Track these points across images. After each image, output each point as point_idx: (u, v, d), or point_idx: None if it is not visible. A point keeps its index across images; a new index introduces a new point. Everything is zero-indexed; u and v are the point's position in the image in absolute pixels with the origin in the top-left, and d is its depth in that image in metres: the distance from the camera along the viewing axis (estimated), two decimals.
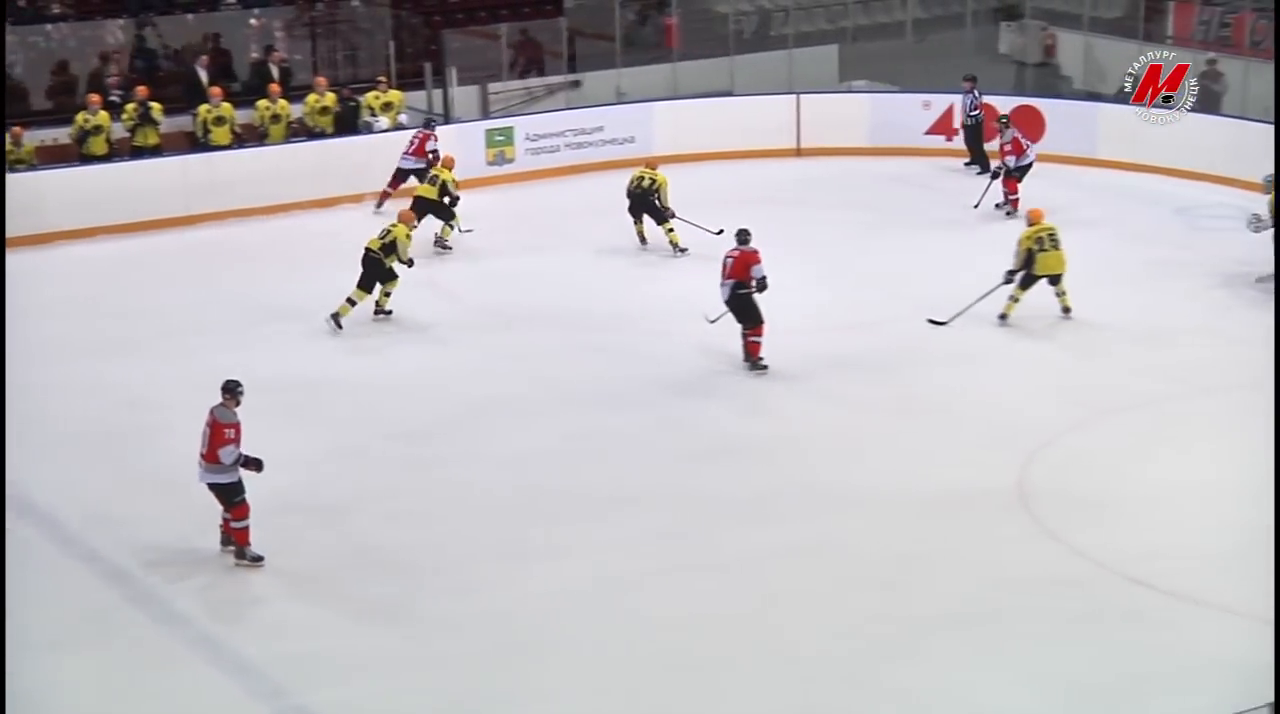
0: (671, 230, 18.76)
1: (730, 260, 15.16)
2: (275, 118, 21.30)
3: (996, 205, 19.94)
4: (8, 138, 19.37)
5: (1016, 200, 19.81)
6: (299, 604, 11.49)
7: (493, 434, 14.13)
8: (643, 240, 19.05)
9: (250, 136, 21.28)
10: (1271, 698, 7.97)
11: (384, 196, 20.57)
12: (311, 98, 21.52)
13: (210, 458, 11.68)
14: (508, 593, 11.51)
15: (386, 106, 21.78)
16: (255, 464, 11.72)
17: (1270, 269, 17.27)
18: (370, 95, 21.82)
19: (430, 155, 20.18)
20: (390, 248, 16.73)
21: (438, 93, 22.48)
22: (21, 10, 22.23)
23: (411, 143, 20.48)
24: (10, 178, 18.23)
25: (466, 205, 19.34)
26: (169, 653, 10.86)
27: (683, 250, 18.69)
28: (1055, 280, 16.19)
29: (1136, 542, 12.01)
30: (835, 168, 22.06)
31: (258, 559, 11.80)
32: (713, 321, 15.49)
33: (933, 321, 16.04)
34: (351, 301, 16.64)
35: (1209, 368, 15.29)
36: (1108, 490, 12.87)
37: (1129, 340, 16.01)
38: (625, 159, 21.97)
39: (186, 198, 20.18)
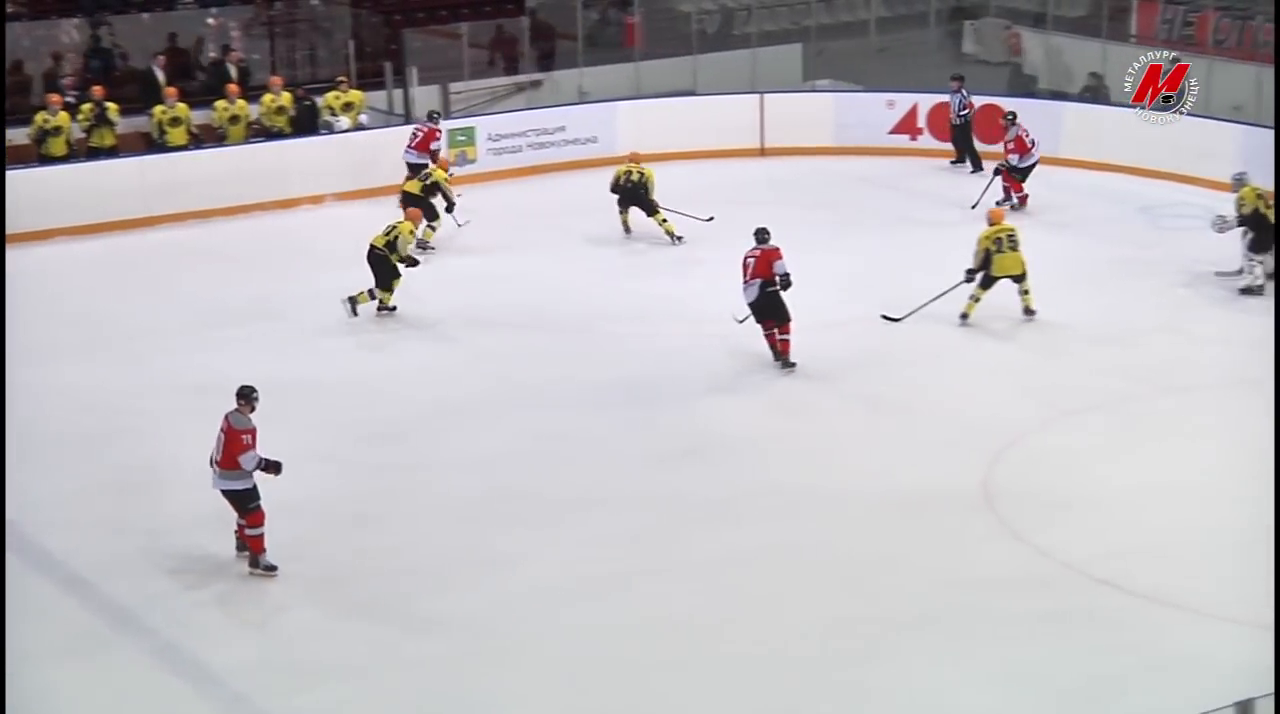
0: (665, 221, 19.04)
1: (752, 260, 15.13)
2: (234, 119, 21.14)
3: (998, 203, 19.86)
4: None
5: (1026, 197, 19.84)
6: (267, 609, 11.39)
7: (460, 436, 14.05)
8: (627, 229, 19.30)
9: (209, 137, 21.11)
10: (1237, 698, 7.89)
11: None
12: (267, 98, 21.36)
13: (226, 464, 11.52)
14: (475, 596, 11.44)
15: (347, 106, 21.66)
16: (275, 466, 11.59)
17: (1234, 266, 17.28)
18: (331, 95, 21.70)
19: (431, 153, 20.18)
20: (394, 245, 16.67)
21: (398, 93, 22.35)
22: None
23: (415, 136, 20.42)
24: None
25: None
26: (138, 660, 10.74)
27: (679, 238, 18.97)
28: (1019, 280, 16.12)
29: (1101, 541, 12.00)
30: (800, 167, 22.03)
31: (271, 568, 11.64)
32: (741, 321, 15.45)
33: (886, 317, 15.99)
34: (372, 294, 16.76)
35: (1173, 367, 15.29)
36: (1072, 490, 12.85)
37: (1093, 340, 15.99)
38: (588, 159, 22.01)
39: (145, 199, 20.01)
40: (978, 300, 16.13)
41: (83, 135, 20.32)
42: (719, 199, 20.51)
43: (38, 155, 20.04)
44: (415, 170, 19.59)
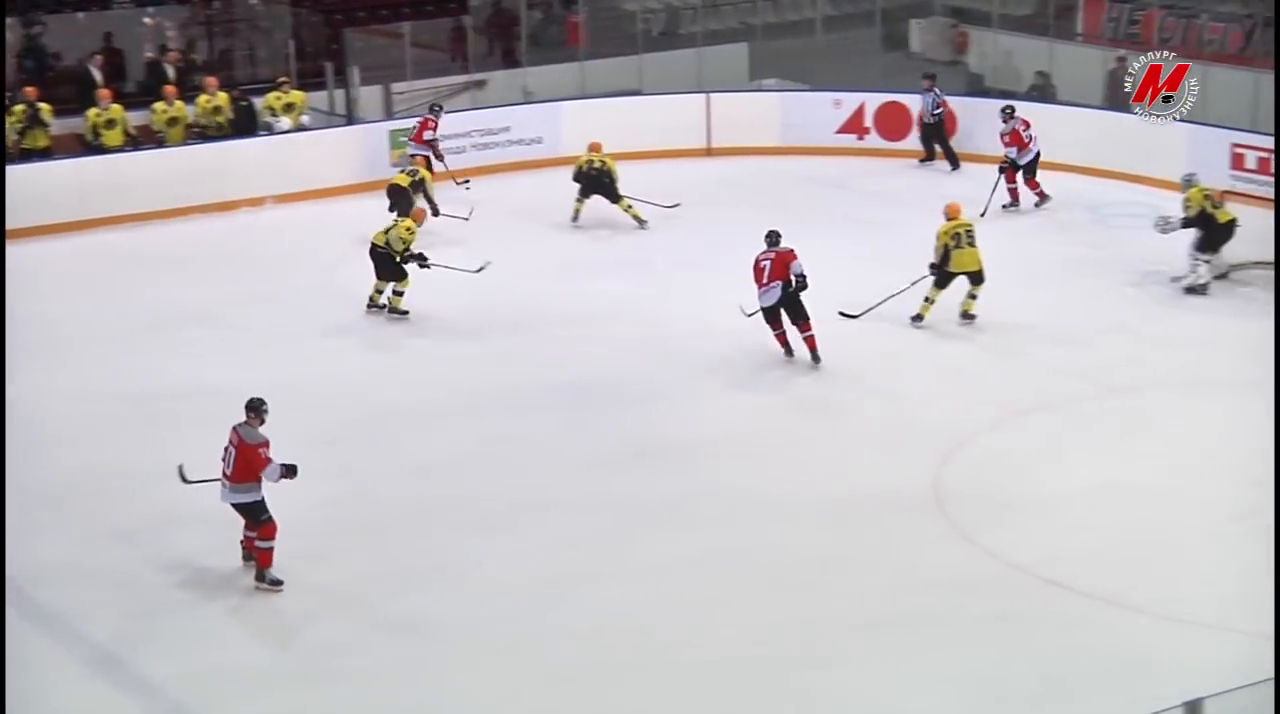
0: (630, 207, 19.27)
1: (767, 263, 15.05)
2: (173, 121, 20.86)
3: (1004, 206, 19.76)
4: None
5: (1041, 193, 19.76)
6: (206, 617, 11.22)
7: (403, 441, 13.91)
8: (575, 217, 19.54)
9: (147, 139, 20.80)
10: (1186, 698, 7.87)
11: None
12: (202, 98, 21.07)
13: (239, 477, 11.31)
14: (417, 603, 11.31)
15: (289, 107, 21.45)
16: (292, 470, 11.40)
17: (1183, 270, 17.25)
18: (272, 96, 21.48)
19: (428, 143, 20.33)
20: (390, 242, 16.62)
21: (340, 93, 22.16)
22: None
23: (414, 129, 20.47)
24: None
25: (373, 208, 19.03)
26: (61, 668, 10.56)
27: (643, 222, 19.31)
28: (976, 281, 16.01)
29: (1050, 542, 11.97)
30: (746, 167, 21.93)
31: (277, 582, 11.42)
32: (750, 315, 15.39)
33: (843, 314, 15.89)
34: (379, 290, 16.72)
35: (1122, 367, 15.25)
36: (1022, 491, 12.81)
37: (1042, 340, 15.95)
38: (533, 160, 21.92)
39: (81, 201, 19.71)
40: (932, 301, 16.03)
41: (16, 137, 19.95)
42: (666, 199, 20.41)
43: None
44: (432, 159, 19.98)
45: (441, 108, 21.07)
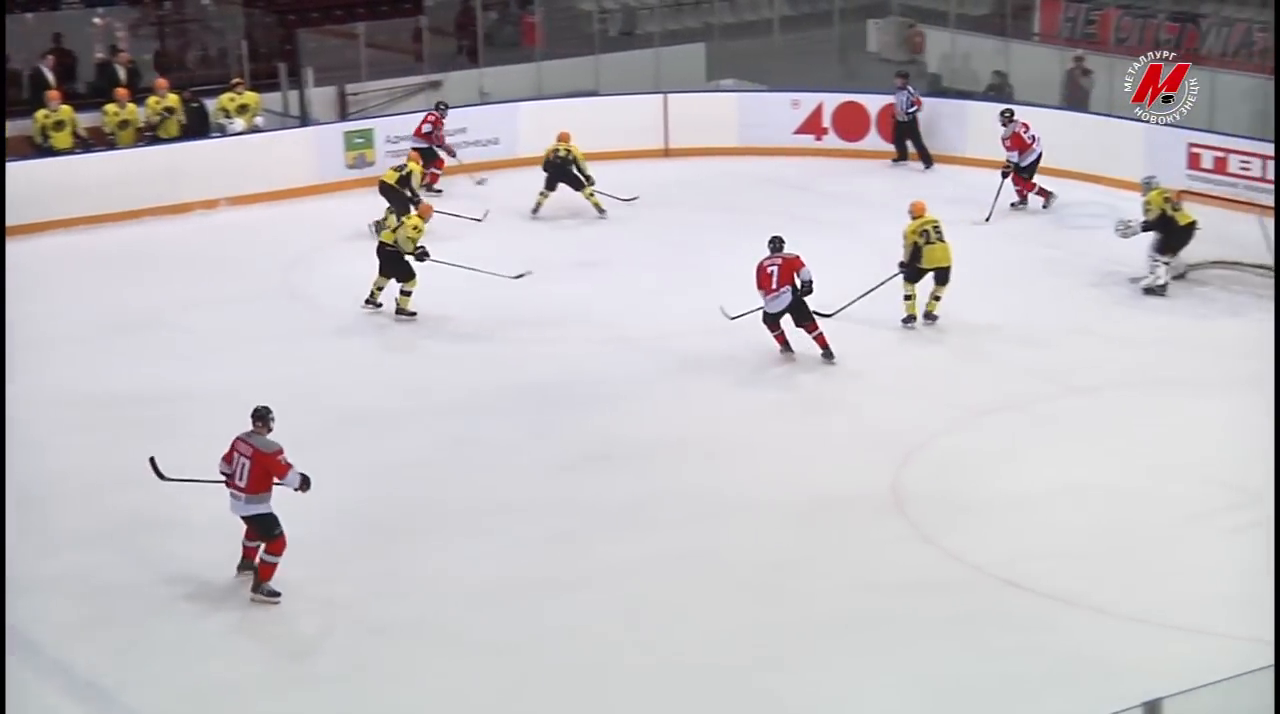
0: (593, 194, 19.61)
1: (775, 268, 15.03)
2: (124, 123, 20.64)
3: (1012, 205, 19.71)
4: None
5: (1047, 192, 19.67)
6: (157, 625, 11.09)
7: (361, 445, 13.80)
8: (536, 208, 19.73)
9: (98, 141, 20.59)
10: (1145, 698, 7.82)
11: (433, 178, 20.62)
12: (152, 100, 20.86)
13: (255, 488, 11.12)
14: (376, 608, 11.22)
15: (242, 108, 21.28)
16: (308, 482, 11.32)
17: (1143, 272, 17.26)
18: (225, 97, 21.31)
19: (425, 136, 20.47)
20: (399, 240, 16.50)
21: (294, 94, 22.00)
22: None
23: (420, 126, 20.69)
24: None
25: (323, 209, 18.92)
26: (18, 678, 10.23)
27: (602, 211, 19.69)
28: (942, 279, 15.96)
29: (1010, 543, 11.95)
30: (705, 168, 21.86)
31: (274, 594, 11.26)
32: (734, 318, 15.42)
33: (819, 314, 15.76)
34: (379, 287, 16.66)
35: (1082, 368, 15.25)
36: (981, 492, 12.80)
37: (1001, 340, 15.94)
38: (490, 161, 21.76)
39: (31, 204, 19.39)
40: (912, 298, 15.98)
41: None
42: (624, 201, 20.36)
43: None
44: (423, 155, 19.95)
45: (447, 105, 21.14)
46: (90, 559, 11.89)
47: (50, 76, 21.04)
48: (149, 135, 20.81)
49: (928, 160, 21.74)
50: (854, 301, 15.88)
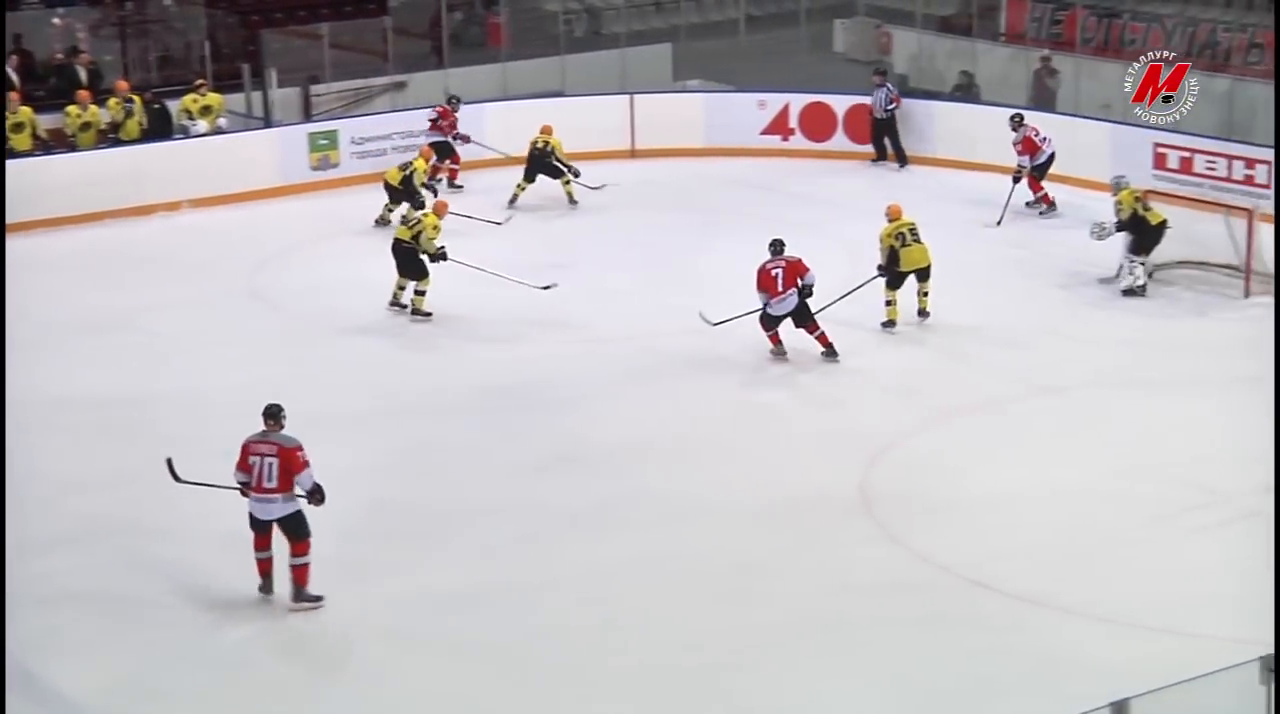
0: (569, 183, 20.05)
1: (779, 271, 15.00)
2: (86, 125, 20.47)
3: (1027, 204, 19.61)
4: None
5: (1046, 197, 19.54)
6: (118, 630, 11.00)
7: (324, 449, 13.32)
8: (512, 200, 20.01)
9: (58, 143, 20.43)
10: (1113, 698, 7.85)
11: (452, 174, 20.87)
12: (113, 102, 20.69)
13: (285, 487, 10.92)
14: (342, 613, 11.12)
15: (205, 110, 21.18)
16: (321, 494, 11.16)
17: (1112, 270, 17.26)
18: (189, 98, 21.19)
19: (434, 124, 20.83)
20: (419, 238, 16.40)
21: (258, 95, 21.86)
22: None
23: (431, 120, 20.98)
24: None
25: (287, 211, 18.82)
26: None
27: (574, 202, 20.08)
28: (923, 277, 15.95)
29: (978, 544, 11.93)
30: (671, 169, 21.81)
31: (316, 599, 11.09)
32: (715, 325, 15.40)
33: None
34: (401, 287, 16.63)
35: (1050, 368, 15.24)
36: (949, 493, 12.77)
37: (969, 341, 15.93)
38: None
39: None
40: (893, 303, 15.93)
41: None
42: (591, 202, 20.37)
43: None
44: (438, 149, 20.34)
45: (459, 99, 21.28)
46: (55, 564, 11.76)
47: (15, 78, 20.86)
48: (111, 137, 20.65)
49: (903, 159, 21.73)
50: (832, 303, 15.80)
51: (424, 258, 16.48)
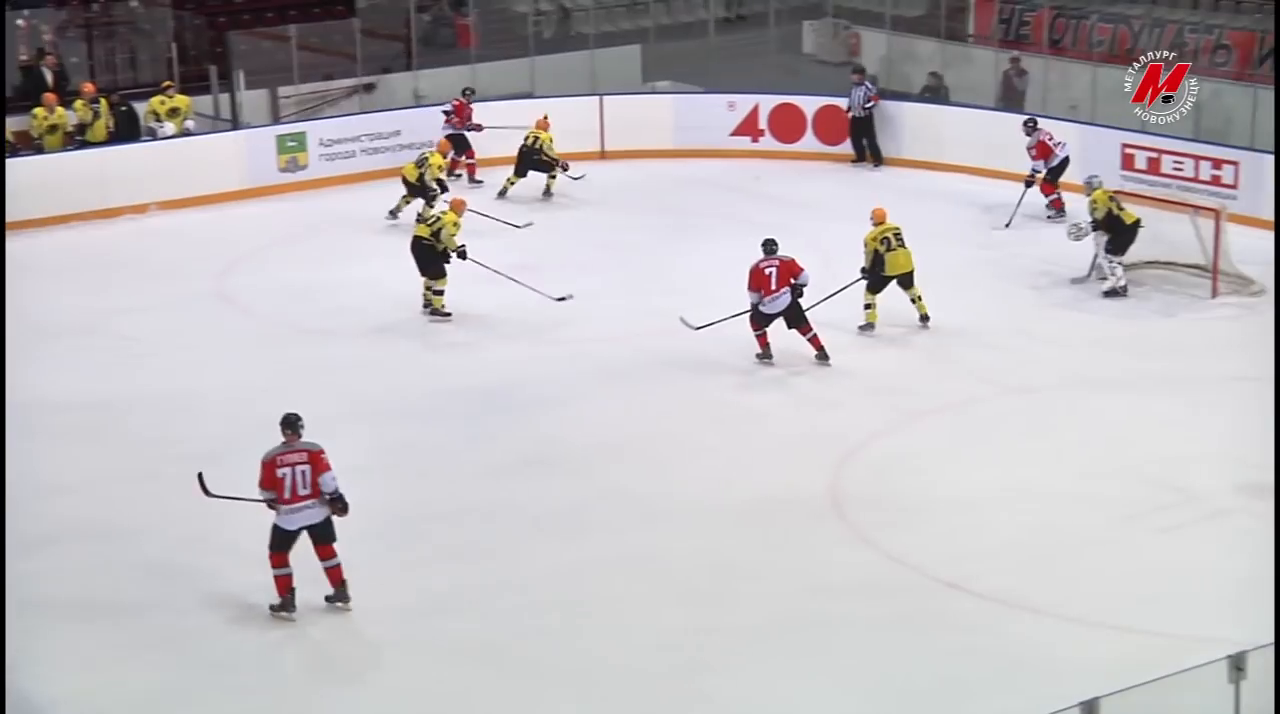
0: (554, 177, 20.46)
1: (773, 271, 14.97)
2: (52, 128, 20.34)
3: (1046, 203, 19.56)
4: None
5: (1058, 200, 19.42)
6: (88, 634, 10.93)
7: None
8: (502, 192, 20.40)
9: (24, 145, 20.29)
10: (1082, 698, 7.88)
11: (470, 169, 21.06)
12: (79, 104, 20.56)
13: (318, 492, 10.85)
14: (309, 618, 11.06)
15: (173, 112, 21.06)
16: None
17: (1083, 271, 17.31)
18: (156, 100, 21.08)
19: (448, 116, 21.09)
20: (439, 235, 16.32)
21: (225, 97, 21.78)
22: None
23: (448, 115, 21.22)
24: None
25: (255, 213, 18.74)
26: None
27: (550, 194, 20.51)
28: (907, 283, 15.95)
29: (949, 545, 11.95)
30: (641, 170, 21.79)
31: (349, 598, 11.11)
32: (697, 328, 15.39)
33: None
34: (436, 292, 16.54)
35: (1019, 368, 15.27)
36: (919, 494, 12.79)
37: (940, 341, 15.93)
38: None
39: None
40: (872, 307, 15.93)
41: None
42: (561, 203, 20.39)
43: None
44: (454, 142, 20.56)
45: (473, 90, 21.44)
46: (32, 568, 11.65)
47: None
48: (78, 140, 20.53)
49: (878, 159, 21.77)
50: (816, 304, 15.78)
51: (443, 256, 16.39)
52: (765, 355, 15.22)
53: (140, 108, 21.01)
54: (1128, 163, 19.68)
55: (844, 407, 14.46)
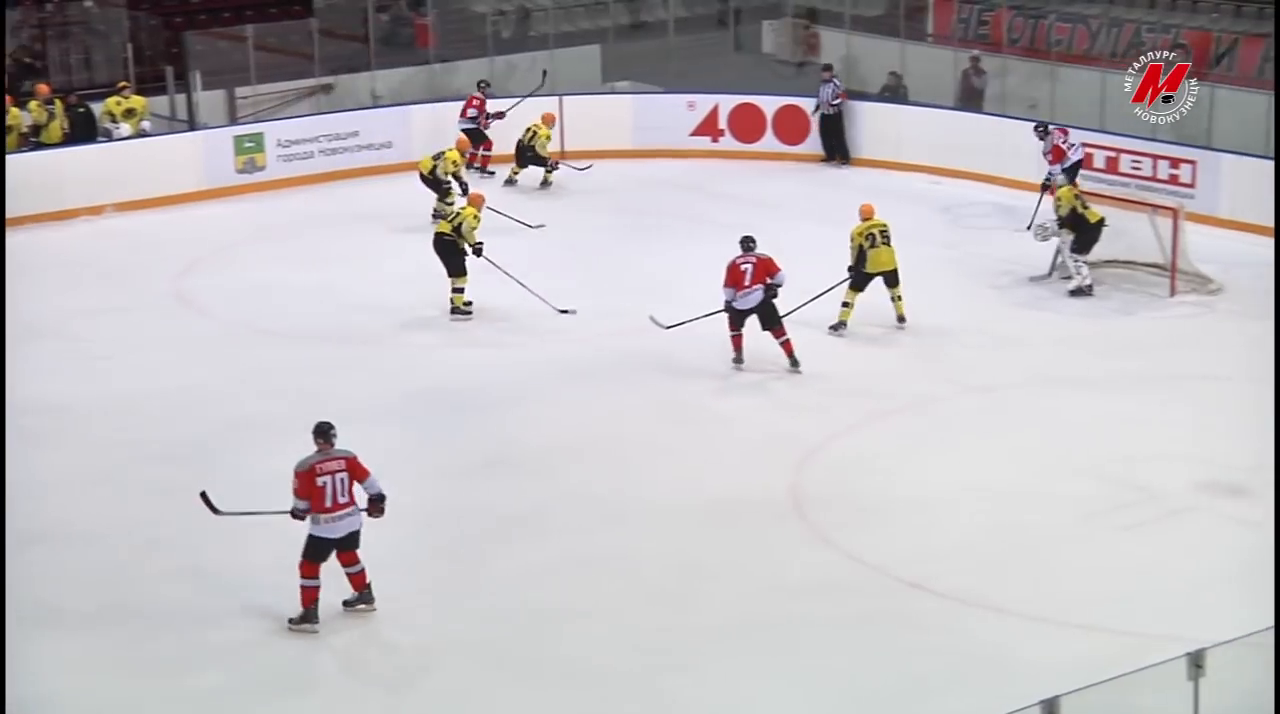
0: (551, 172, 21.06)
1: (749, 267, 14.88)
2: (7, 129, 20.16)
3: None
4: None
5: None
6: (47, 641, 10.81)
7: (251, 455, 13.52)
8: (508, 181, 21.03)
9: None
10: (1043, 696, 7.85)
11: (484, 162, 21.36)
12: (34, 105, 20.42)
13: (353, 500, 10.74)
14: (269, 623, 10.99)
15: (129, 113, 20.94)
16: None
17: (1043, 269, 17.36)
18: (111, 101, 20.96)
19: (469, 117, 21.34)
20: (460, 230, 16.28)
21: (181, 98, 21.66)
22: None
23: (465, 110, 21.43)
24: None
25: (212, 215, 18.62)
26: None
27: (546, 186, 21.09)
28: (891, 281, 15.94)
29: (910, 544, 11.96)
30: (600, 170, 21.69)
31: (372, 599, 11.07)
32: (668, 328, 15.34)
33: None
34: (456, 289, 16.43)
35: (979, 368, 15.29)
36: (880, 493, 12.79)
37: (901, 340, 15.96)
38: (383, 165, 21.61)
39: None
40: (850, 306, 15.91)
41: None
42: (519, 203, 20.18)
43: None
44: (471, 136, 20.70)
45: (488, 84, 21.58)
46: None
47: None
48: (33, 141, 20.37)
49: (845, 156, 21.78)
50: (803, 306, 15.72)
51: (464, 253, 16.35)
52: (738, 359, 15.16)
53: (96, 108, 20.88)
54: (1086, 162, 19.69)
55: (807, 407, 14.44)
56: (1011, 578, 11.40)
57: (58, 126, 20.48)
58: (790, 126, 22.23)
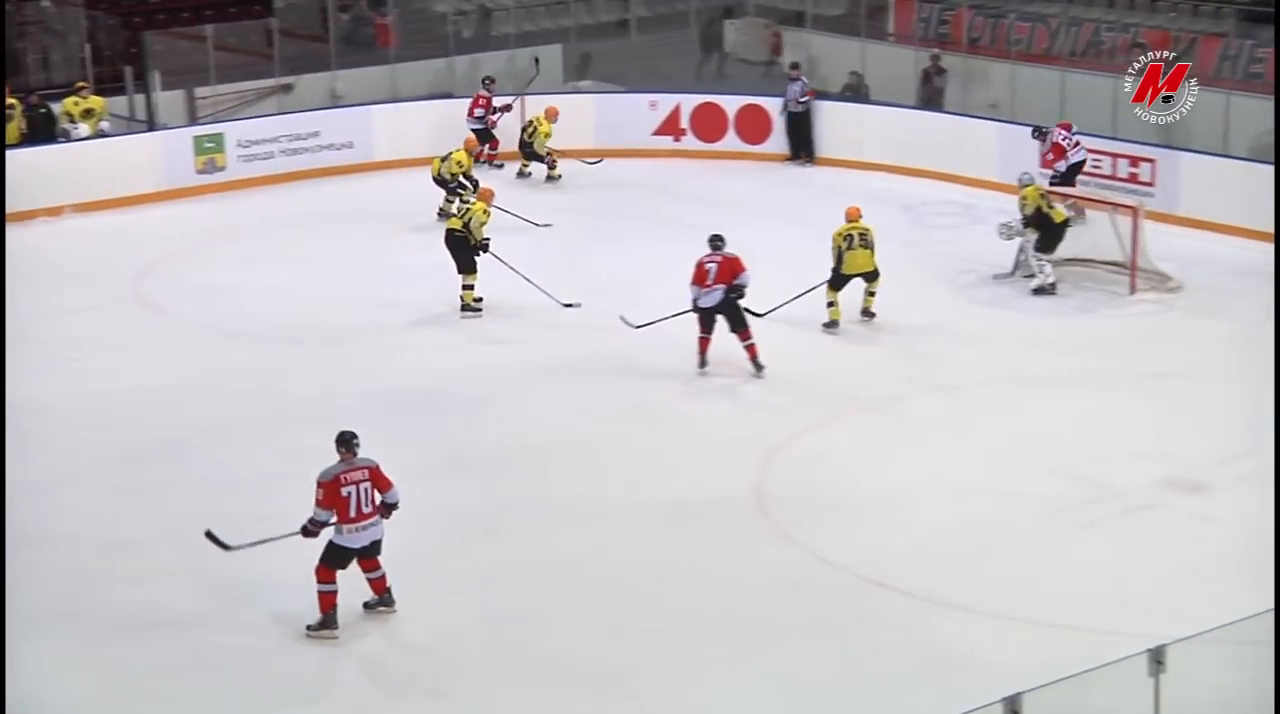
0: (551, 167, 21.27)
1: (713, 266, 14.79)
2: None
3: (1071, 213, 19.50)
4: None
5: (1076, 202, 19.22)
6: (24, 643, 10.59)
7: (214, 457, 13.52)
8: (519, 173, 21.50)
9: None
10: (1005, 693, 7.83)
11: (490, 159, 21.46)
12: None
13: (376, 509, 10.72)
14: (230, 628, 10.96)
15: (87, 113, 20.83)
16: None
17: (1006, 267, 17.42)
18: (70, 101, 20.83)
19: (477, 117, 21.47)
20: (469, 225, 16.25)
21: (140, 98, 21.54)
22: None
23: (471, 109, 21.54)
24: None
25: (172, 215, 18.51)
26: None
27: (551, 180, 21.41)
28: (870, 278, 15.98)
29: (874, 543, 11.97)
30: (562, 170, 21.68)
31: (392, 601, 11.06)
32: (637, 327, 15.33)
33: (749, 312, 15.44)
34: (466, 286, 16.39)
35: (941, 366, 15.34)
36: (843, 492, 12.81)
37: (860, 339, 15.99)
38: (344, 165, 21.58)
39: None
40: (834, 304, 15.94)
41: None
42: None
43: None
44: (480, 135, 20.94)
45: (493, 80, 21.59)
46: None
47: None
48: None
49: (810, 154, 21.82)
50: (786, 303, 15.75)
51: (474, 249, 16.33)
52: (702, 363, 15.10)
53: (54, 108, 20.74)
54: (1046, 161, 19.77)
55: (771, 406, 14.45)
56: (974, 576, 11.42)
57: (15, 127, 20.34)
58: (752, 126, 22.26)
